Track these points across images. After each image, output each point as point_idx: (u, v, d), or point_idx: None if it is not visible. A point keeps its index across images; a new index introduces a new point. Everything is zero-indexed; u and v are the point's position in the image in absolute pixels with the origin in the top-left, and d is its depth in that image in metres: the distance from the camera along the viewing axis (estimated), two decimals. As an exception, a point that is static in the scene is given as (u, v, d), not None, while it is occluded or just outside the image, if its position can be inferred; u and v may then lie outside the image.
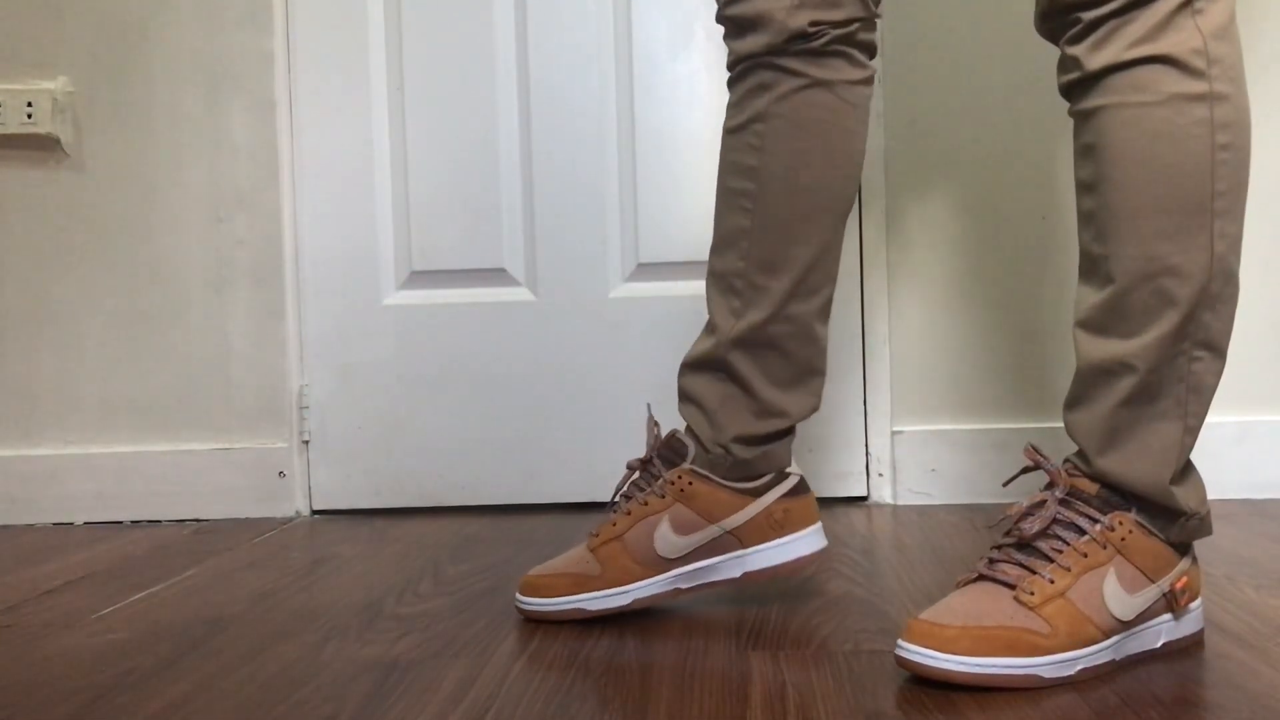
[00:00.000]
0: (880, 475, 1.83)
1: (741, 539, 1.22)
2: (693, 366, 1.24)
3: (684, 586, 1.22)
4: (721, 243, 1.22)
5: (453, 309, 1.89)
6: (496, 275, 1.89)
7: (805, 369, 1.22)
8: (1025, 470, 1.10)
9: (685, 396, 1.24)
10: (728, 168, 1.21)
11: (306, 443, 1.90)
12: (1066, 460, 1.07)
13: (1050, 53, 1.80)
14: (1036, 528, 1.01)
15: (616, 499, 1.25)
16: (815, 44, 1.16)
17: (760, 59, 1.18)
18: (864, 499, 1.84)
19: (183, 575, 1.49)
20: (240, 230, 1.89)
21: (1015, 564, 1.01)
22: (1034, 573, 1.00)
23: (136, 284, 1.90)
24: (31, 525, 1.90)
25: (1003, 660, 0.95)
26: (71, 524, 1.90)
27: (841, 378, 1.83)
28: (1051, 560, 1.00)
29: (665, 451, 1.23)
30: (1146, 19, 1.00)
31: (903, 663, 0.97)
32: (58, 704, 1.00)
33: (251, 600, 1.34)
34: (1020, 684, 0.95)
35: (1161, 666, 1.00)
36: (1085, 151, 1.04)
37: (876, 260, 1.83)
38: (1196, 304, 1.01)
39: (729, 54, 1.22)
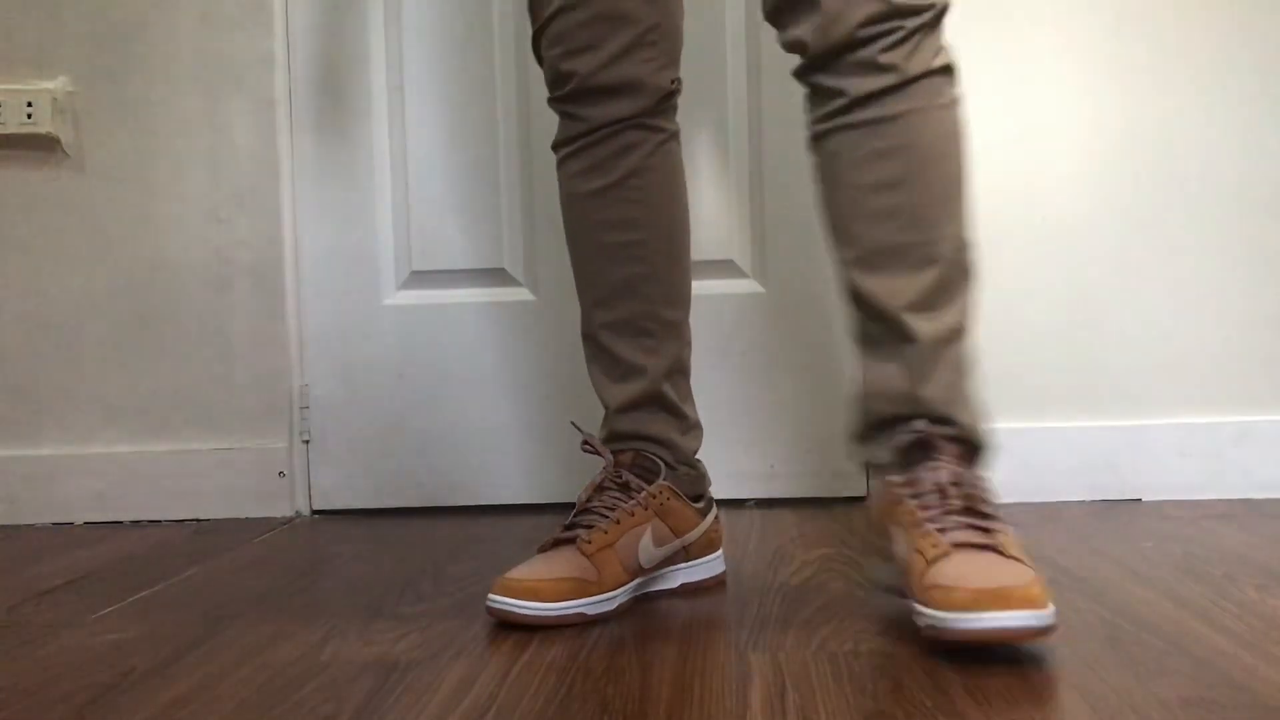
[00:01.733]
0: (880, 475, 1.83)
1: (689, 553, 1.33)
2: (626, 409, 1.32)
3: (640, 593, 1.29)
4: (613, 294, 1.32)
5: (453, 309, 1.89)
6: (496, 275, 1.89)
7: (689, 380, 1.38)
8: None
9: (629, 437, 1.32)
10: (602, 225, 1.31)
11: (306, 443, 1.90)
12: (917, 428, 1.15)
13: (1052, 54, 1.80)
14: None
15: (594, 506, 1.27)
16: (675, 99, 1.32)
17: (629, 121, 1.27)
18: (864, 499, 1.84)
19: (183, 575, 1.49)
20: (240, 230, 1.89)
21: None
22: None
23: (136, 284, 1.90)
24: (31, 525, 1.90)
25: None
26: (71, 524, 1.90)
27: (842, 378, 1.83)
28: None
29: (636, 469, 1.30)
30: (937, 34, 1.16)
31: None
32: (58, 704, 1.00)
33: (251, 600, 1.34)
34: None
35: (1161, 666, 1.00)
36: (888, 152, 1.14)
37: (876, 260, 1.82)
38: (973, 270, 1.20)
39: (575, 123, 1.29)
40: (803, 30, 1.15)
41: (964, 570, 1.02)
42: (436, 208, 1.89)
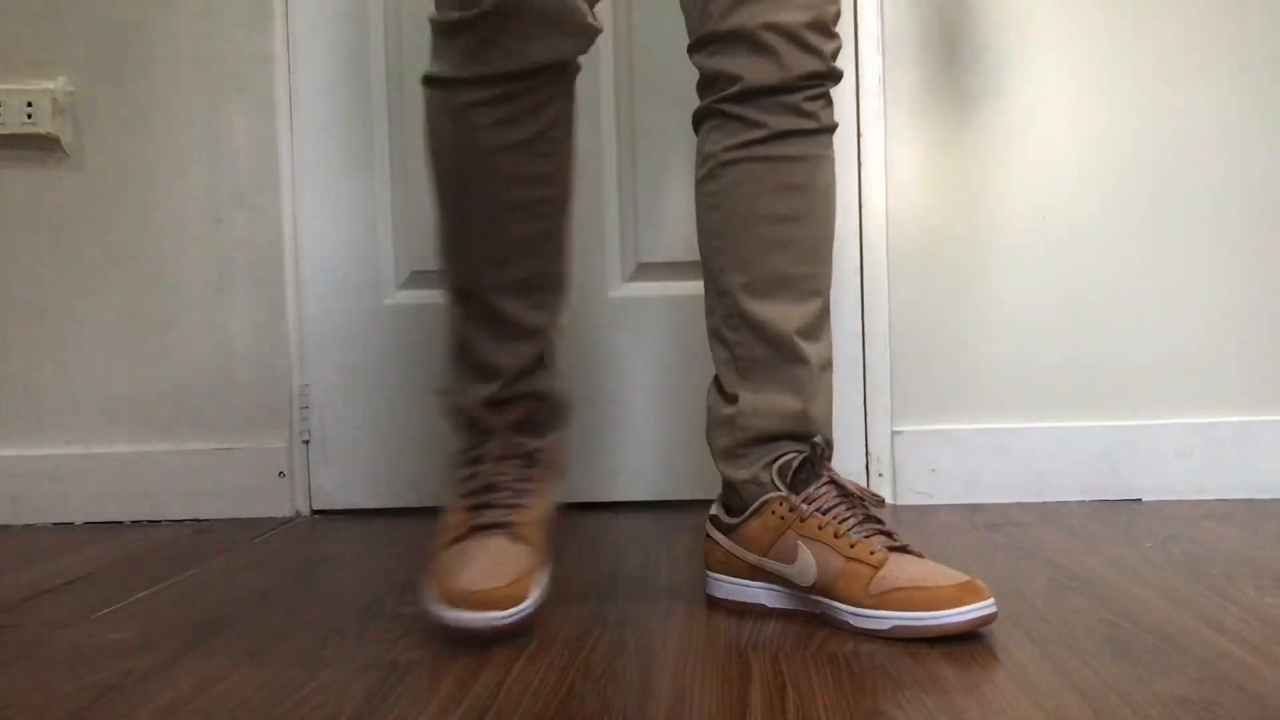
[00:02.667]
0: (880, 475, 1.83)
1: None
2: (519, 373, 1.27)
3: None
4: (512, 252, 1.23)
5: (453, 309, 1.89)
6: (496, 275, 1.89)
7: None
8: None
9: (517, 398, 1.27)
10: (516, 181, 1.20)
11: (306, 443, 1.90)
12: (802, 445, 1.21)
13: (1055, 53, 1.80)
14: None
15: (505, 483, 1.23)
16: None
17: (560, 68, 1.18)
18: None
19: (183, 575, 1.49)
20: (240, 230, 1.89)
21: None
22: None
23: (136, 284, 1.90)
24: (31, 525, 1.90)
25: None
26: (71, 524, 1.90)
27: (841, 378, 1.83)
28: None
29: (527, 427, 1.27)
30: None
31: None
32: (58, 704, 1.00)
33: (251, 600, 1.34)
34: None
35: (1161, 666, 1.00)
36: (791, 188, 1.22)
37: (876, 260, 1.83)
38: None
39: (496, 57, 1.12)
40: (740, 66, 1.19)
41: (916, 572, 1.12)
42: (436, 208, 1.89)
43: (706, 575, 1.28)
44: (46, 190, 1.90)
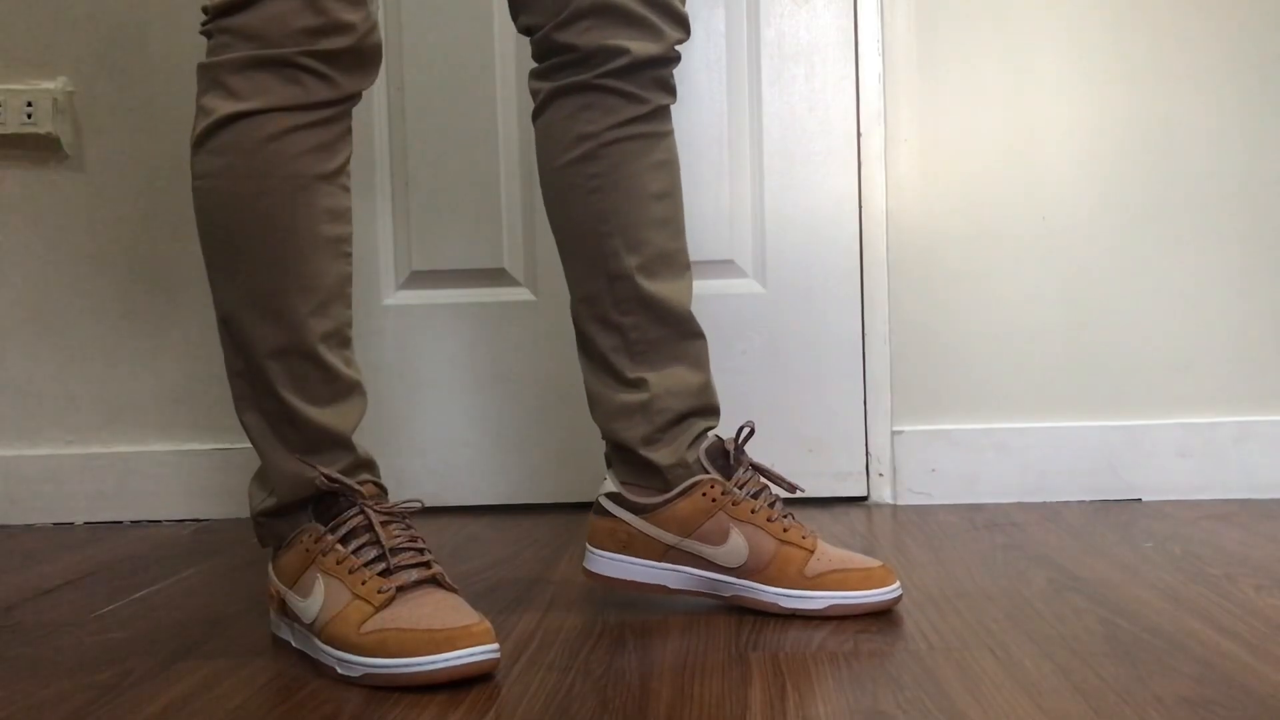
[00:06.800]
0: (880, 475, 1.83)
1: None
2: (350, 433, 1.15)
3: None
4: (330, 298, 1.15)
5: (453, 309, 1.89)
6: (496, 275, 1.89)
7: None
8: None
9: (369, 465, 1.17)
10: (326, 215, 1.13)
11: (306, 443, 1.90)
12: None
13: (1053, 52, 1.80)
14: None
15: (407, 546, 1.10)
16: None
17: (357, 96, 1.14)
18: (864, 499, 1.84)
19: (183, 575, 1.49)
20: (240, 230, 1.89)
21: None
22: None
23: (136, 284, 1.90)
24: (31, 525, 1.90)
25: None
26: (71, 524, 1.90)
27: (841, 378, 1.83)
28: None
29: (382, 495, 1.17)
30: None
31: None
32: (58, 704, 1.00)
33: (251, 600, 1.34)
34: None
35: (1160, 666, 1.00)
36: (663, 165, 1.25)
37: (876, 260, 1.83)
38: None
39: (321, 86, 1.09)
40: (623, 38, 1.19)
41: (837, 555, 1.21)
42: (436, 208, 1.89)
43: (592, 551, 1.25)
44: (46, 190, 1.90)
